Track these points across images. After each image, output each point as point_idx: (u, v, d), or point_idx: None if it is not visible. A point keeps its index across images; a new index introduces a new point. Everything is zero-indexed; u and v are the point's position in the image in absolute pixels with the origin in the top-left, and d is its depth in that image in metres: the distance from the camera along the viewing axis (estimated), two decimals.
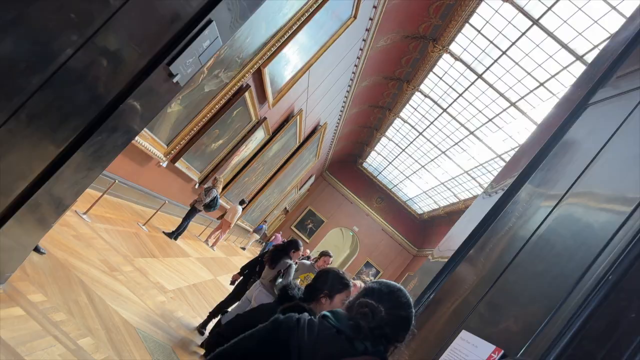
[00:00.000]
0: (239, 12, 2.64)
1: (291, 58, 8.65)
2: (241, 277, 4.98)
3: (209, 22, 2.21)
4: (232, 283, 5.03)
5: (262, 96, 8.84)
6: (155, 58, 2.16)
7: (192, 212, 8.66)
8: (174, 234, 8.12)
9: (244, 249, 18.66)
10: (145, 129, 6.01)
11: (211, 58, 2.57)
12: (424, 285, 2.12)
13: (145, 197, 7.77)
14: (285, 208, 26.01)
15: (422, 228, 30.21)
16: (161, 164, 7.24)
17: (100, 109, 2.05)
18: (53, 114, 1.85)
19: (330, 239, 34.32)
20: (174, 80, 2.33)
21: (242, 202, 12.13)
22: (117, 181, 5.15)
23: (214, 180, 9.22)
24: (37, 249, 3.18)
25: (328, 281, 2.16)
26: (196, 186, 9.82)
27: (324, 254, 4.99)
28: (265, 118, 9.89)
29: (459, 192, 22.39)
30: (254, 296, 4.11)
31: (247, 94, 7.94)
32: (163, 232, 8.04)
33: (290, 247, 4.40)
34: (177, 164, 7.81)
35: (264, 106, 9.40)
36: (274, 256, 4.30)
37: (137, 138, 5.88)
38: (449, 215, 25.27)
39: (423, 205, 28.26)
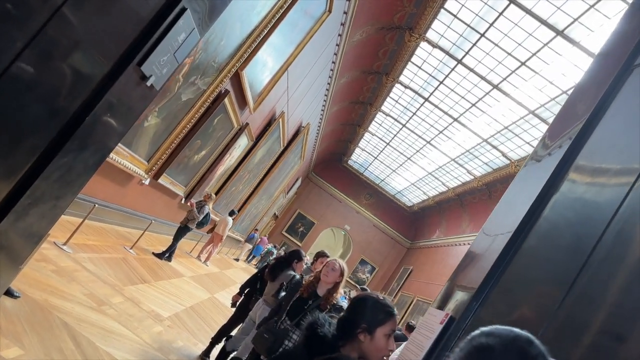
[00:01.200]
0: None
1: (268, 59, 8.30)
2: (242, 297, 4.60)
3: (183, 10, 1.87)
4: (233, 305, 4.65)
5: (242, 101, 8.49)
6: (122, 58, 1.81)
7: (184, 230, 8.28)
8: (165, 255, 7.74)
9: (237, 260, 18.24)
10: (122, 146, 5.63)
11: (189, 55, 2.22)
12: (480, 277, 1.80)
13: (129, 218, 7.36)
14: (275, 214, 25.63)
15: (414, 220, 30.07)
16: (143, 181, 6.85)
17: (61, 124, 1.69)
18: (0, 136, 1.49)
19: (323, 240, 34.01)
20: (148, 83, 1.98)
21: (232, 213, 11.75)
22: (96, 205, 4.76)
23: (206, 195, 8.81)
24: (9, 293, 2.78)
25: (366, 312, 1.75)
26: (182, 201, 9.42)
27: (320, 255, 4.62)
28: (247, 124, 9.54)
29: (447, 181, 22.24)
30: (258, 315, 3.78)
31: (226, 100, 7.58)
32: (153, 253, 7.63)
33: (292, 258, 4.07)
34: (160, 180, 7.42)
35: (245, 111, 9.04)
36: (274, 268, 3.97)
37: (114, 157, 5.49)
38: (439, 205, 25.14)
39: (412, 197, 28.11)
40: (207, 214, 8.71)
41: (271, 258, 17.33)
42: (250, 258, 23.42)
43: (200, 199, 9.15)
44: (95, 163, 2.10)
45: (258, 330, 3.18)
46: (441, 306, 2.02)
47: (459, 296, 1.89)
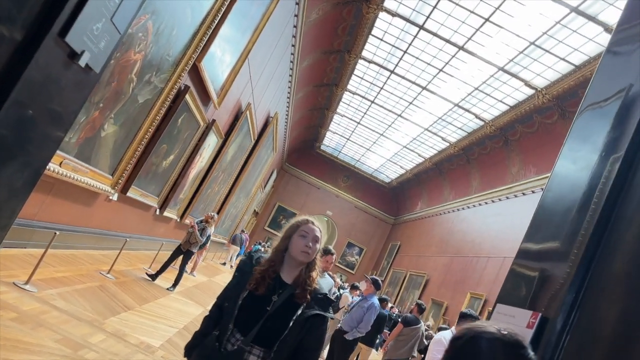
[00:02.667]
0: None
1: (226, 48, 7.72)
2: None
3: None
4: None
5: (205, 96, 7.89)
6: (36, 27, 1.27)
7: (187, 255, 7.76)
8: (157, 276, 7.20)
9: (224, 264, 17.65)
10: (80, 162, 5.02)
11: (132, 24, 1.68)
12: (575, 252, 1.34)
13: (102, 239, 6.74)
14: (255, 210, 25.05)
15: (394, 195, 29.91)
16: (111, 197, 6.24)
17: None
18: None
19: None
20: (82, 62, 1.43)
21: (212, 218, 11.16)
22: (57, 233, 4.17)
23: (208, 216, 8.29)
24: None
25: None
26: (156, 212, 8.81)
27: (326, 252, 4.15)
28: (214, 120, 8.95)
29: (423, 152, 22.02)
30: None
31: (187, 96, 6.98)
32: (146, 273, 7.13)
33: None
34: (129, 194, 6.81)
35: (209, 107, 8.45)
36: None
37: (72, 175, 4.88)
38: (418, 177, 24.97)
39: (390, 173, 27.89)
40: (209, 236, 8.26)
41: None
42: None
43: (201, 218, 8.58)
44: (27, 182, 1.55)
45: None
46: (513, 301, 1.54)
47: (544, 284, 1.43)
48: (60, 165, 4.61)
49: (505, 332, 1.04)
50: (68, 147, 4.70)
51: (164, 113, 6.56)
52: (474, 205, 18.86)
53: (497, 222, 16.17)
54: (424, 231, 23.81)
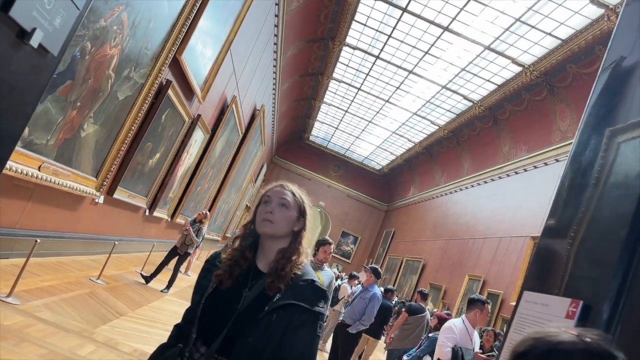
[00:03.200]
0: None
1: (207, 39, 7.48)
2: None
3: None
4: None
5: (188, 91, 7.66)
6: None
7: (183, 258, 7.56)
8: (151, 278, 7.02)
9: None
10: (60, 165, 4.79)
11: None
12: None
13: (90, 244, 6.52)
14: (247, 205, 24.81)
15: (386, 182, 29.82)
16: (96, 200, 6.02)
17: None
18: None
19: None
20: (34, 42, 1.24)
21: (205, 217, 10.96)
22: (38, 240, 3.95)
23: (200, 215, 8.01)
24: None
25: None
26: (146, 213, 8.59)
27: (323, 243, 3.99)
28: (199, 115, 8.71)
29: (412, 136, 21.89)
30: None
31: (170, 91, 6.75)
32: (141, 274, 6.93)
33: None
34: (115, 195, 6.59)
35: (193, 102, 8.22)
36: None
37: (53, 179, 4.66)
38: (409, 162, 24.87)
39: (380, 160, 27.76)
40: (203, 236, 8.04)
41: None
42: None
43: (194, 216, 8.33)
44: None
45: None
46: (543, 287, 1.37)
47: (581, 266, 1.26)
48: (39, 169, 4.39)
49: (589, 340, 0.77)
50: (46, 150, 4.47)
51: (147, 110, 6.33)
52: (466, 187, 18.80)
53: (490, 203, 16.12)
54: (418, 216, 23.75)
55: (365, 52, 16.27)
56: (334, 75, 18.89)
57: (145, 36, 5.29)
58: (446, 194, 20.84)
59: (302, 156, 29.28)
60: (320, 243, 3.96)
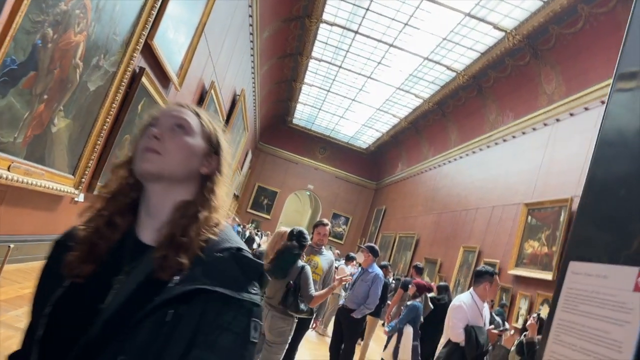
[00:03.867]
0: None
1: (180, 22, 7.13)
2: None
3: None
4: None
5: (163, 78, 7.31)
6: None
7: None
8: None
9: None
10: (32, 163, 4.47)
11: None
12: None
13: None
14: (235, 194, 24.52)
15: (373, 160, 29.69)
16: (76, 199, 5.70)
17: None
18: None
19: (290, 207, 33.32)
20: None
21: None
22: (11, 246, 3.67)
23: None
24: None
25: None
26: None
27: (317, 224, 3.75)
28: None
29: (397, 112, 21.69)
30: (268, 325, 2.91)
31: (144, 79, 6.41)
32: None
33: (301, 238, 3.14)
34: (96, 192, 6.27)
35: (170, 90, 7.87)
36: (283, 260, 3.04)
37: (25, 179, 4.35)
38: (395, 138, 24.71)
39: (366, 139, 27.57)
40: None
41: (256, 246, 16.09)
42: None
43: None
44: None
45: None
46: (595, 255, 1.15)
47: None
48: (8, 169, 4.07)
49: None
50: (14, 149, 4.15)
51: (121, 100, 6.00)
52: (454, 159, 18.69)
53: (480, 172, 16.02)
54: (408, 192, 23.67)
55: (344, 27, 15.93)
56: (313, 54, 18.53)
57: (112, 21, 4.94)
58: (435, 168, 20.74)
59: (287, 140, 28.97)
60: (315, 225, 3.72)
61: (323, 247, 3.69)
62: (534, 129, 13.39)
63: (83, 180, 5.55)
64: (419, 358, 5.85)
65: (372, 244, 5.84)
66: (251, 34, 13.38)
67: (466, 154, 17.67)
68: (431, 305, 6.43)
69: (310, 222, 34.20)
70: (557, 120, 12.28)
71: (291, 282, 2.94)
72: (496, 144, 15.51)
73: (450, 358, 3.62)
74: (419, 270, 6.94)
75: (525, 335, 3.64)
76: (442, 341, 3.87)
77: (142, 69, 6.28)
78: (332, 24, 15.84)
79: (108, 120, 5.61)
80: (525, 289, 10.88)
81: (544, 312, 10.13)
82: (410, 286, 6.43)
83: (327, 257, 3.66)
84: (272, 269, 3.00)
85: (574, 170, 10.84)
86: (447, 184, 18.94)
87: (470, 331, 3.56)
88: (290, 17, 15.43)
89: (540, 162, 12.51)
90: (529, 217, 11.89)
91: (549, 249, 10.68)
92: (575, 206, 10.29)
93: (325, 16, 15.48)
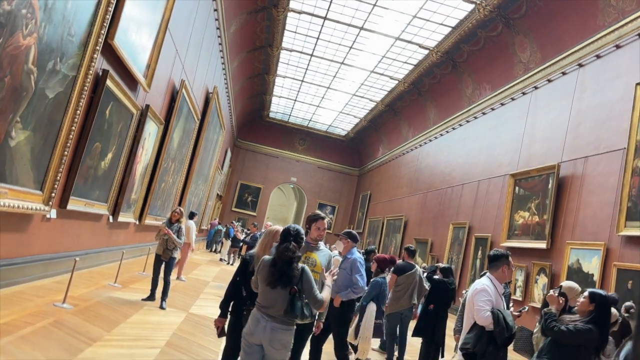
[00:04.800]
0: None
1: (140, 18, 6.74)
2: (228, 319, 3.29)
3: None
4: (220, 335, 3.27)
5: (130, 80, 6.94)
6: None
7: (170, 264, 6.81)
8: (153, 297, 6.44)
9: (227, 262, 16.92)
10: None
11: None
12: None
13: (49, 265, 5.85)
14: (218, 194, 24.11)
15: (354, 147, 29.48)
16: (47, 216, 5.35)
17: None
18: None
19: (275, 201, 33.02)
20: None
21: (192, 216, 10.28)
22: None
23: (176, 214, 7.09)
24: None
25: None
26: (109, 220, 7.91)
27: (314, 219, 3.41)
28: (147, 106, 8.00)
29: (373, 95, 21.46)
30: (268, 339, 2.60)
31: (109, 82, 6.05)
32: (143, 299, 6.24)
33: (297, 242, 2.77)
34: (70, 207, 5.91)
35: (139, 92, 7.50)
36: (285, 268, 2.67)
37: None
38: (373, 122, 24.51)
39: (345, 126, 27.32)
40: (185, 234, 7.35)
41: (243, 239, 15.76)
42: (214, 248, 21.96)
43: (167, 217, 7.39)
44: None
45: None
46: None
47: None
48: None
49: None
50: None
51: (86, 106, 5.64)
52: (435, 137, 18.56)
53: (463, 148, 15.90)
54: (392, 175, 23.53)
55: (312, 14, 15.56)
56: (284, 45, 18.13)
57: (65, 20, 4.57)
58: (416, 147, 20.60)
59: (266, 135, 28.56)
60: (311, 219, 3.40)
61: (321, 242, 3.39)
62: (512, 99, 13.27)
63: (53, 195, 5.20)
64: (384, 337, 5.64)
65: (350, 230, 5.58)
66: (218, 28, 12.97)
67: (446, 131, 17.53)
68: (426, 286, 6.22)
69: (296, 215, 33.91)
70: (536, 87, 12.16)
71: (294, 286, 2.65)
72: (475, 118, 15.38)
73: (479, 343, 3.41)
74: (411, 253, 6.68)
75: (544, 312, 3.44)
76: (465, 326, 3.66)
77: (105, 72, 5.92)
78: (299, 12, 15.47)
79: (74, 128, 5.25)
80: (519, 260, 10.78)
81: (542, 281, 10.07)
82: (372, 263, 6.19)
83: (324, 252, 3.35)
84: (276, 278, 2.67)
85: (558, 136, 10.74)
86: (430, 163, 18.82)
87: (497, 314, 3.37)
88: (256, 9, 15.02)
89: (522, 132, 12.40)
90: (517, 188, 11.79)
91: (540, 218, 10.58)
92: (562, 172, 10.20)
93: (292, 4, 15.09)
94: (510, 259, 3.64)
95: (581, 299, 3.43)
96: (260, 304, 2.75)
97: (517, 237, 11.34)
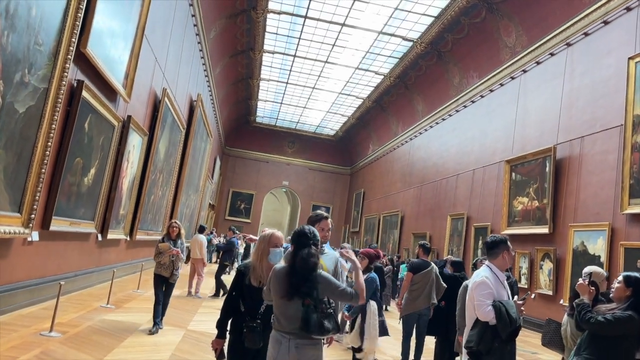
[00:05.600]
0: None
1: (114, 24, 6.44)
2: (227, 339, 2.81)
3: None
4: (219, 358, 2.80)
5: (108, 90, 6.63)
6: None
7: (170, 287, 6.09)
8: (159, 325, 5.72)
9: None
10: None
11: None
12: None
13: (35, 291, 5.52)
14: (210, 203, 23.73)
15: (343, 146, 29.25)
16: (29, 239, 5.02)
17: None
18: None
19: (268, 207, 32.67)
20: None
21: (202, 230, 9.94)
22: None
23: (175, 229, 6.22)
24: None
25: None
26: (98, 238, 7.57)
27: (317, 219, 3.03)
28: (129, 117, 7.69)
29: (359, 93, 21.25)
30: None
31: (85, 93, 5.73)
32: (150, 332, 5.45)
33: (305, 239, 2.42)
34: (53, 227, 5.59)
35: (119, 102, 7.19)
36: (307, 274, 2.34)
37: None
38: (362, 120, 24.31)
39: (333, 125, 27.07)
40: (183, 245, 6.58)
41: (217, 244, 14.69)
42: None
43: (164, 234, 6.53)
44: None
45: None
46: None
47: None
48: None
49: None
50: None
51: (62, 120, 5.33)
52: (425, 130, 18.35)
53: (455, 138, 15.70)
54: (384, 171, 23.31)
55: (292, 14, 15.31)
56: (265, 47, 17.85)
57: (29, 28, 4.26)
58: (407, 142, 20.38)
59: (253, 140, 28.24)
60: (314, 219, 3.05)
61: (325, 244, 3.07)
62: (501, 85, 13.09)
63: (33, 216, 4.87)
64: (388, 333, 5.37)
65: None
66: (197, 34, 12.66)
67: (436, 122, 17.33)
68: (444, 285, 5.94)
69: (291, 219, 33.54)
70: (524, 71, 11.97)
71: (307, 299, 2.33)
72: (465, 107, 15.18)
73: (482, 340, 3.15)
74: (426, 250, 6.31)
75: (576, 303, 3.18)
76: (468, 323, 3.40)
77: (80, 82, 5.61)
78: (279, 12, 15.21)
79: (50, 144, 4.93)
80: (522, 247, 10.57)
81: (547, 266, 9.86)
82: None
83: (330, 255, 3.02)
84: (296, 289, 2.36)
85: (551, 118, 10.55)
86: (422, 156, 18.60)
87: (499, 307, 3.10)
88: (235, 12, 14.72)
89: (514, 117, 12.21)
90: (513, 174, 11.59)
91: (540, 203, 10.38)
92: (559, 154, 10.01)
93: (271, 5, 14.83)
94: (509, 243, 3.38)
95: (615, 285, 3.17)
96: (278, 321, 2.42)
97: (517, 224, 11.13)
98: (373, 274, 5.38)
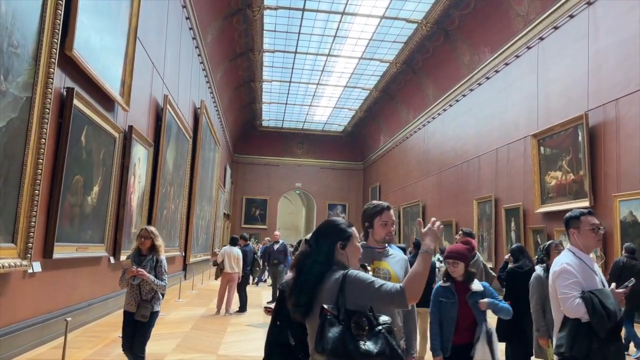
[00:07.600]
0: None
1: (101, 24, 5.85)
2: None
3: None
4: None
5: (104, 98, 6.05)
6: None
7: (148, 325, 4.16)
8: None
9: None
10: None
11: None
12: None
13: (43, 329, 4.93)
14: (225, 213, 23.20)
15: (353, 140, 28.62)
16: (29, 270, 4.44)
17: None
18: None
19: (283, 210, 32.09)
20: None
21: (234, 242, 9.27)
22: None
23: (147, 239, 4.22)
24: None
25: None
26: (110, 261, 7.00)
27: (376, 211, 2.22)
28: (131, 127, 7.11)
29: (365, 84, 20.60)
30: None
31: (77, 102, 5.15)
32: None
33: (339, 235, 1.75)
34: (57, 255, 5.01)
35: (117, 111, 6.61)
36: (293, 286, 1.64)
37: None
38: (370, 111, 23.67)
39: (341, 120, 26.45)
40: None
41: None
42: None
43: (133, 247, 5.59)
44: None
45: None
46: None
47: None
48: None
49: None
50: None
51: (53, 133, 4.76)
52: (438, 114, 17.64)
53: (472, 118, 14.97)
54: (399, 161, 22.62)
55: (289, 8, 14.69)
56: (265, 46, 17.28)
57: (1, 29, 3.68)
58: (420, 129, 19.68)
59: (262, 145, 27.69)
60: (371, 212, 2.29)
61: (389, 245, 2.34)
62: (517, 57, 12.35)
63: (30, 245, 4.28)
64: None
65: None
66: (194, 38, 12.10)
67: (449, 104, 16.61)
68: (493, 273, 5.28)
69: (307, 221, 32.89)
70: (541, 39, 11.23)
71: (324, 306, 1.60)
72: (479, 84, 14.45)
73: (576, 342, 2.50)
74: (469, 236, 5.63)
75: None
76: (556, 322, 2.75)
77: (70, 90, 5.02)
78: (275, 8, 14.62)
79: (41, 161, 4.34)
80: (560, 224, 9.82)
81: None
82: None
83: (396, 257, 2.25)
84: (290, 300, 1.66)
85: (578, 84, 9.82)
86: (438, 141, 17.89)
87: (591, 298, 2.45)
88: (230, 12, 14.14)
89: (535, 89, 11.47)
90: (541, 148, 10.86)
91: (576, 175, 9.66)
92: (591, 121, 9.28)
93: (266, 1, 14.23)
94: (582, 218, 2.72)
95: None
96: (321, 350, 1.65)
97: (552, 200, 10.42)
98: (505, 303, 3.50)
